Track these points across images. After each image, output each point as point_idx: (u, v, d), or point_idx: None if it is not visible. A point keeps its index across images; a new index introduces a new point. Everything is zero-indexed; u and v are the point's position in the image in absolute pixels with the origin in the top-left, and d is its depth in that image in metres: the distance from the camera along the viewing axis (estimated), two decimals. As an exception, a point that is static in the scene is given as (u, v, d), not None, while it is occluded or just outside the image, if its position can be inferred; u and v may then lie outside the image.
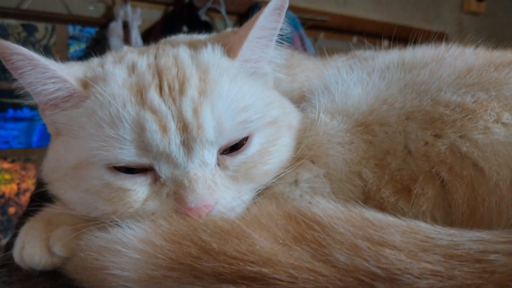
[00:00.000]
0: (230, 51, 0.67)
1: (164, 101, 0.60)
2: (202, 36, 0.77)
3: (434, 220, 0.56)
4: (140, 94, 0.60)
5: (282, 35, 0.68)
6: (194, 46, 0.68)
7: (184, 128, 0.59)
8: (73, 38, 2.53)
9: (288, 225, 0.53)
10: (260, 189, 0.66)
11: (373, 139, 0.64)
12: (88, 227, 0.61)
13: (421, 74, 0.70)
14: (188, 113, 0.59)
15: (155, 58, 0.66)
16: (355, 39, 3.30)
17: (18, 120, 2.36)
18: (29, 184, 2.41)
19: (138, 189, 0.61)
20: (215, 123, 0.60)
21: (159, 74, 0.63)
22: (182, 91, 0.61)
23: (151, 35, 2.67)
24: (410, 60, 0.75)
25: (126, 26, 2.62)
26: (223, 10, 2.91)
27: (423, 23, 3.68)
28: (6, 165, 2.36)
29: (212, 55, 0.66)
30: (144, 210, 0.60)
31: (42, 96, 0.64)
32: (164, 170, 0.60)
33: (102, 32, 2.62)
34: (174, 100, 0.60)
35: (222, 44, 0.67)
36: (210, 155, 0.61)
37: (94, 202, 0.62)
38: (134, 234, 0.55)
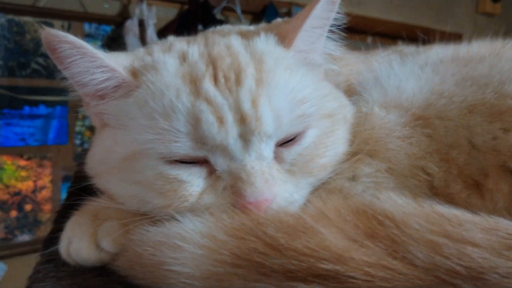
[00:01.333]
0: (284, 40, 0.64)
1: (220, 91, 0.58)
2: (250, 27, 0.75)
3: (512, 217, 0.54)
4: (194, 84, 0.58)
5: (337, 25, 0.66)
6: (245, 36, 0.66)
7: (241, 120, 0.57)
8: (89, 36, 2.51)
9: (357, 221, 0.50)
10: (316, 184, 0.63)
11: (434, 133, 0.62)
12: (138, 221, 0.59)
13: (478, 68, 0.67)
14: (246, 105, 0.57)
15: (205, 47, 0.64)
16: (370, 39, 3.27)
17: (34, 118, 2.35)
18: (46, 182, 2.40)
19: (194, 182, 0.58)
20: (273, 116, 0.58)
21: (212, 63, 0.60)
22: (238, 81, 0.58)
23: (166, 34, 2.65)
24: (465, 54, 0.73)
25: (141, 24, 2.62)
26: (238, 9, 2.90)
27: (437, 24, 3.65)
28: (22, 162, 2.34)
29: (266, 44, 0.63)
30: (199, 204, 0.58)
31: (89, 87, 0.62)
32: (220, 163, 0.58)
33: (117, 30, 2.61)
34: (230, 91, 0.58)
35: (275, 34, 0.65)
36: (267, 149, 0.59)
37: (146, 196, 0.60)
38: (194, 228, 0.53)
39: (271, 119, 0.57)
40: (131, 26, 2.58)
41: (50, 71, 2.31)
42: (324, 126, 0.63)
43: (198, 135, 0.56)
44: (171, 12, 2.78)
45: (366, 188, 0.61)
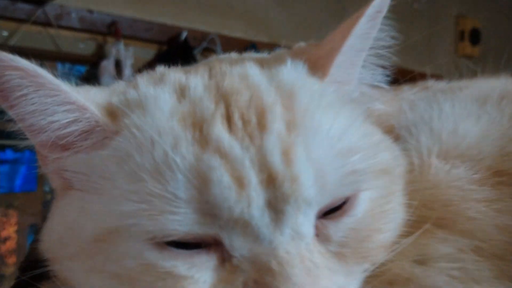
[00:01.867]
0: (317, 69, 0.47)
1: (237, 139, 0.40)
2: (263, 54, 0.58)
3: None
4: (199, 129, 0.40)
5: (385, 46, 0.50)
6: (264, 64, 0.49)
7: (269, 181, 0.39)
8: (62, 76, 2.32)
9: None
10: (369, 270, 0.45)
11: None
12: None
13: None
14: (275, 158, 0.39)
15: (212, 78, 0.46)
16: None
17: (0, 163, 2.14)
18: (10, 232, 2.17)
19: (198, 276, 0.39)
20: (315, 174, 0.40)
21: (224, 100, 0.43)
22: (262, 125, 0.40)
23: (145, 75, 2.51)
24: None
25: (118, 65, 2.46)
26: (218, 50, 2.78)
27: (417, 66, 3.61)
28: (-15, 211, 2.11)
29: (295, 74, 0.46)
30: None
31: (47, 133, 0.43)
32: (238, 246, 0.39)
33: (92, 70, 2.46)
34: (252, 138, 0.40)
35: (304, 61, 0.48)
36: (306, 222, 0.40)
37: None
38: None
39: (312, 179, 0.39)
40: (107, 66, 2.43)
41: None
42: (380, 187, 0.45)
43: (205, 204, 0.38)
44: (149, 53, 2.66)
45: (449, 279, 0.42)
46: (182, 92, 0.44)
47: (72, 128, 0.43)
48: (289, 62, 0.47)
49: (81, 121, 0.43)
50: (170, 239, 0.39)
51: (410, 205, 0.48)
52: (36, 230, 2.17)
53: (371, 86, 0.51)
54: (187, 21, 2.71)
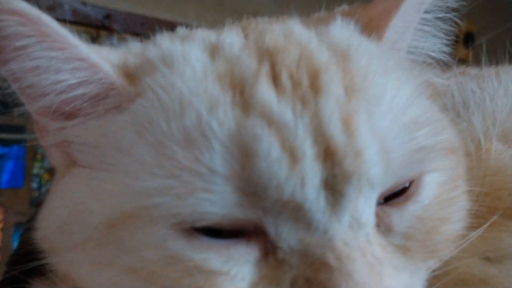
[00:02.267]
0: (370, 29, 0.40)
1: (288, 103, 0.32)
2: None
3: None
4: (240, 91, 0.33)
5: (447, 8, 0.42)
6: (305, 23, 0.41)
7: (327, 156, 0.32)
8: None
9: None
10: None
11: None
12: None
13: None
14: (334, 128, 0.32)
15: (246, 37, 0.39)
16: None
17: (-15, 158, 2.05)
18: (-4, 229, 2.08)
19: (235, 272, 0.32)
20: (379, 149, 0.32)
21: (268, 58, 0.35)
22: (316, 87, 0.33)
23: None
24: None
25: (111, 59, 2.38)
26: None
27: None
28: (-31, 208, 2.02)
29: (347, 33, 0.39)
30: None
31: (49, 96, 0.36)
32: (286, 235, 0.32)
33: (84, 64, 2.37)
34: (304, 103, 0.32)
35: (355, 20, 0.40)
36: (368, 208, 0.33)
37: None
38: None
39: (378, 154, 0.32)
40: (100, 60, 2.35)
41: (6, 105, 2.01)
42: (448, 169, 0.38)
43: (248, 182, 0.31)
44: (143, 46, 2.57)
45: None
46: (214, 51, 0.36)
47: (81, 90, 0.36)
48: (339, 21, 0.40)
49: (92, 82, 0.35)
50: (202, 224, 0.31)
51: (471, 193, 0.41)
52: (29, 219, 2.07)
53: (428, 56, 0.44)
54: (183, 16, 2.63)
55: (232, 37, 0.38)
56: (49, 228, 0.39)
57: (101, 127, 0.36)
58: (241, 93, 0.33)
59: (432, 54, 0.44)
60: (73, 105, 0.36)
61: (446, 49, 0.44)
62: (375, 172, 0.32)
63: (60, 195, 0.38)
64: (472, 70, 0.66)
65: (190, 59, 0.35)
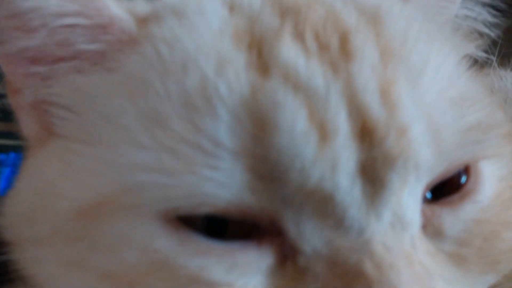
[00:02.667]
0: None
1: (317, 66, 0.26)
2: None
3: None
4: (258, 51, 0.26)
5: None
6: None
7: (364, 133, 0.25)
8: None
9: None
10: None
11: None
12: None
13: None
14: (371, 98, 0.25)
15: None
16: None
17: (-18, 165, 1.97)
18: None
19: (242, 283, 0.24)
20: (426, 121, 0.26)
21: (293, 15, 0.28)
22: (347, 50, 0.26)
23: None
24: None
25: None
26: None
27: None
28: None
29: None
30: None
31: (35, 40, 0.28)
32: (309, 235, 0.25)
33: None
34: (334, 67, 0.26)
35: None
36: (413, 202, 0.26)
37: None
38: None
39: (426, 132, 0.25)
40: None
41: (5, 112, 1.93)
42: (507, 159, 0.31)
43: (263, 161, 0.24)
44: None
45: None
46: (233, 5, 0.30)
47: (69, 20, 0.28)
48: None
49: (85, 15, 0.28)
50: (203, 210, 0.24)
51: None
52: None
53: (475, 29, 0.37)
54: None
55: None
56: (13, 214, 0.31)
57: (87, 86, 0.28)
58: (259, 53, 0.26)
59: (479, 27, 0.37)
60: (57, 47, 0.28)
61: (493, 21, 0.37)
62: (423, 154, 0.25)
63: (29, 174, 0.31)
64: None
65: (206, 11, 0.28)
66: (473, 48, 0.36)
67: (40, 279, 0.30)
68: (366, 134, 0.25)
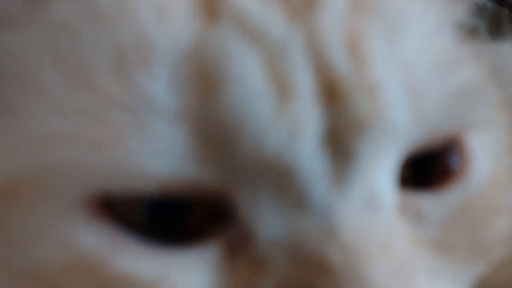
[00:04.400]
0: None
1: (274, 11, 0.22)
2: None
3: None
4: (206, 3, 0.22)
5: None
6: None
7: (329, 94, 0.21)
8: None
9: None
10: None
11: None
12: None
13: None
14: (337, 51, 0.21)
15: None
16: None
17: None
18: None
19: (182, 279, 0.20)
20: (402, 82, 0.22)
21: None
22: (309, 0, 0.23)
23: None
24: None
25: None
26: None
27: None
28: None
29: None
30: None
31: None
32: (265, 219, 0.21)
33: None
34: (294, 14, 0.22)
35: None
36: (388, 177, 0.22)
37: None
38: None
39: (403, 92, 0.22)
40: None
41: None
42: (497, 134, 0.27)
43: (210, 124, 0.20)
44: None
45: None
46: None
47: None
48: None
49: None
50: (137, 190, 0.20)
51: None
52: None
53: None
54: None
55: None
56: None
57: (8, 44, 0.24)
58: (208, 5, 0.22)
59: None
60: None
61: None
62: (400, 120, 0.21)
63: None
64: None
65: None
66: (461, 12, 0.32)
67: None
68: (332, 94, 0.21)
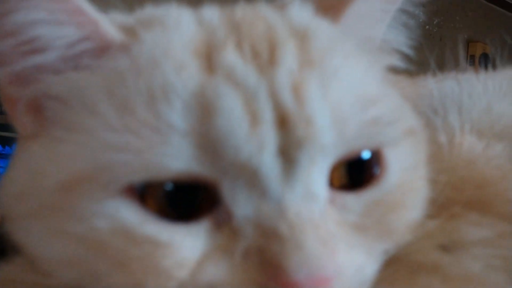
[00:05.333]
0: (328, 13, 0.40)
1: (251, 69, 0.33)
2: None
3: None
4: (208, 57, 0.34)
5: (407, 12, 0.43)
6: (273, 6, 0.42)
7: (282, 123, 0.32)
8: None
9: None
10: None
11: None
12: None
13: None
14: (286, 95, 0.32)
15: (224, 12, 0.40)
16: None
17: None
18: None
19: (185, 243, 0.31)
20: (331, 116, 0.33)
21: (236, 29, 0.36)
22: (273, 59, 0.34)
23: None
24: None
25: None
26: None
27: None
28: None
29: (305, 15, 0.39)
30: (197, 283, 0.31)
31: (48, 53, 0.35)
32: (241, 203, 0.32)
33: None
34: (262, 71, 0.33)
35: (313, 4, 0.40)
36: (320, 179, 0.33)
37: (94, 266, 0.32)
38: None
39: (329, 121, 0.33)
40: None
41: None
42: (408, 151, 0.38)
43: (207, 138, 0.31)
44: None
45: (487, 268, 0.35)
46: (200, 20, 0.37)
47: (82, 45, 0.35)
48: (297, 4, 0.40)
49: (92, 38, 0.35)
50: (157, 178, 0.31)
51: (436, 182, 0.40)
52: None
53: (397, 50, 0.45)
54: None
55: (211, 12, 0.39)
56: (8, 194, 0.38)
57: (77, 81, 0.35)
58: (210, 58, 0.33)
59: (400, 47, 0.44)
60: (72, 60, 0.35)
61: (411, 42, 0.44)
62: (326, 139, 0.32)
63: (23, 160, 0.38)
64: (466, 76, 0.66)
65: (182, 25, 0.36)
66: (392, 60, 0.43)
67: (30, 248, 0.37)
68: (283, 123, 0.32)
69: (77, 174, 0.32)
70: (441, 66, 0.60)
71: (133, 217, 0.32)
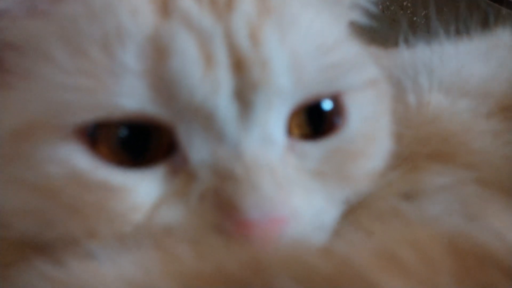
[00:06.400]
0: None
1: (206, 14, 0.33)
2: None
3: None
4: (163, 2, 0.33)
5: None
6: None
7: (238, 67, 0.32)
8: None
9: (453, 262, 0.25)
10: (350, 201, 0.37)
11: None
12: (29, 259, 0.30)
13: None
14: (242, 39, 0.32)
15: None
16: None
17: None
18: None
19: (140, 188, 0.31)
20: (288, 60, 0.32)
21: None
22: (230, 5, 0.33)
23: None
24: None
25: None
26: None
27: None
28: None
29: None
30: (153, 224, 0.31)
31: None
32: (197, 146, 0.31)
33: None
34: (219, 16, 0.33)
35: None
36: (278, 123, 0.33)
37: (49, 213, 0.32)
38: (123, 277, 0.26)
39: (286, 65, 0.32)
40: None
41: None
42: (370, 101, 0.38)
43: (161, 80, 0.30)
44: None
45: (448, 212, 0.35)
46: None
47: None
48: None
49: None
50: (116, 116, 0.31)
51: (402, 136, 0.41)
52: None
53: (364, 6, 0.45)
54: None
55: None
56: None
57: (32, 28, 0.34)
58: (164, 3, 0.33)
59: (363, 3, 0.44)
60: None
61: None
62: (283, 82, 0.32)
63: None
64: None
65: None
66: (355, 16, 0.43)
67: None
68: (239, 66, 0.31)
69: (30, 119, 0.32)
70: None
71: (84, 162, 0.31)
